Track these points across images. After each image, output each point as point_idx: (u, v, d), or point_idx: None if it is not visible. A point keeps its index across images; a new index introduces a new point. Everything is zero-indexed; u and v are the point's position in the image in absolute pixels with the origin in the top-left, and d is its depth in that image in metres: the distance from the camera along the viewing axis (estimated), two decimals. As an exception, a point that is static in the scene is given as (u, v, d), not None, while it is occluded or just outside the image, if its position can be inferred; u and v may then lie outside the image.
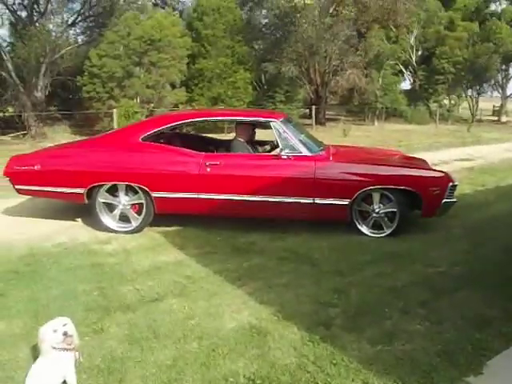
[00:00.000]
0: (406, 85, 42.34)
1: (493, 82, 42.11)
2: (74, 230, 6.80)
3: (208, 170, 6.46)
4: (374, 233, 6.66)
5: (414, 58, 38.51)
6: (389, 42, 33.22)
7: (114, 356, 3.57)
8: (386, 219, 6.63)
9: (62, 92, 28.28)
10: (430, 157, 14.80)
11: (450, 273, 5.38)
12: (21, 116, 23.20)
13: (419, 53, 39.35)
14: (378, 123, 33.12)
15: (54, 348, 3.12)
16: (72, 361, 3.18)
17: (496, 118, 43.17)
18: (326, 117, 32.17)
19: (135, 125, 7.68)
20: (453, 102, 40.40)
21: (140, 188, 6.52)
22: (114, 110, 19.36)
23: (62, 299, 4.56)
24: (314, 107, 28.01)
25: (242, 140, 7.25)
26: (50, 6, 25.76)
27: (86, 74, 22.95)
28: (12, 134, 22.35)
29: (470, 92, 41.02)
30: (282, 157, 6.55)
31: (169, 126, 7.07)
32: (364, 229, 6.68)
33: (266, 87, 29.57)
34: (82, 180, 6.56)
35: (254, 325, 4.05)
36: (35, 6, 26.07)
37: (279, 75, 28.25)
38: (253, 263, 5.54)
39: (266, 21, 32.63)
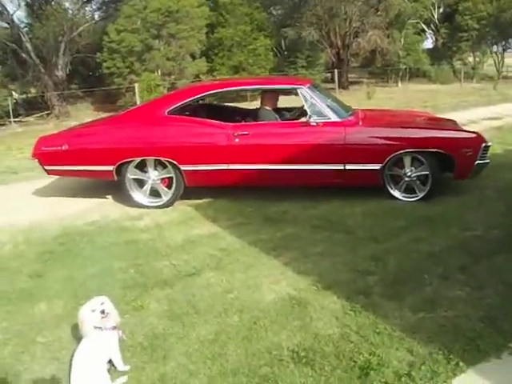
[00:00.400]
0: (428, 44, 41.67)
1: (519, 36, 41.07)
2: (105, 207, 6.83)
3: (236, 140, 6.41)
4: (406, 197, 6.56)
5: (435, 16, 37.65)
6: (409, 1, 32.45)
7: (156, 333, 3.58)
8: (418, 182, 6.52)
9: (83, 69, 28.33)
10: (457, 116, 14.52)
11: (487, 236, 5.26)
12: (43, 96, 23.37)
13: (441, 10, 38.46)
14: (402, 84, 32.66)
15: (96, 328, 3.13)
16: (116, 340, 3.19)
17: (523, 74, 42.18)
18: (349, 80, 31.82)
19: (160, 99, 7.63)
20: (477, 59, 39.44)
21: (169, 162, 6.49)
22: (136, 85, 19.35)
23: (99, 277, 4.58)
24: (336, 71, 27.67)
25: (268, 108, 7.15)
26: (64, -17, 25.69)
27: (105, 50, 22.91)
28: (36, 115, 22.52)
29: (495, 48, 40.00)
30: (311, 123, 6.44)
31: (194, 98, 6.98)
32: (396, 193, 6.58)
33: (286, 53, 29.24)
34: (111, 157, 6.55)
35: (293, 296, 4.03)
36: (50, -15, 26.00)
37: (299, 40, 27.90)
38: (286, 233, 5.50)
39: (284, -14, 32.12)
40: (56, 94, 22.76)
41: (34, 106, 23.74)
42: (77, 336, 3.49)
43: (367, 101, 21.86)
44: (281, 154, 6.48)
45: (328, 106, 6.62)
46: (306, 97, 6.56)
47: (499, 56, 39.32)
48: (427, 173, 6.44)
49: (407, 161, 6.48)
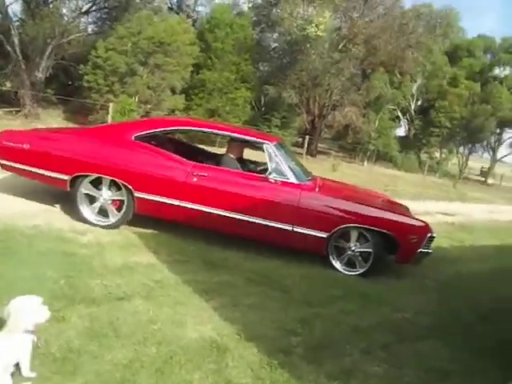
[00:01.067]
0: (400, 131, 42.93)
1: (485, 143, 42.85)
2: (51, 215, 6.71)
3: (194, 179, 6.45)
4: (346, 270, 6.69)
5: (412, 107, 39.05)
6: (391, 87, 33.63)
7: (71, 347, 3.53)
8: (360, 258, 6.68)
9: (63, 77, 28.22)
10: (414, 206, 14.91)
11: (416, 320, 5.41)
12: (17, 93, 23.07)
13: (419, 102, 39.95)
14: (368, 164, 33.37)
15: (21, 328, 3.07)
16: (29, 344, 3.13)
17: (483, 179, 43.69)
18: (318, 149, 32.39)
19: (131, 122, 7.72)
20: (443, 155, 40.85)
21: (124, 185, 6.48)
22: (111, 104, 19.31)
23: (29, 281, 4.46)
24: (307, 137, 28.17)
25: (232, 156, 7.25)
26: (66, -11, 25.83)
27: (89, 63, 22.89)
28: (5, 109, 22.18)
29: (461, 149, 41.62)
30: (270, 180, 6.56)
31: (164, 129, 7.07)
32: (338, 265, 6.70)
33: (263, 109, 29.69)
34: (69, 167, 6.51)
35: (214, 339, 4.03)
36: (52, -13, 26.07)
37: (279, 100, 28.42)
38: (222, 279, 5.50)
39: (276, 45, 32.88)
40: (30, 94, 22.52)
41: (5, 100, 23.38)
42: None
43: (332, 172, 22.24)
44: (234, 202, 6.54)
45: (289, 167, 6.74)
46: (270, 153, 6.68)
47: (464, 157, 40.85)
48: (370, 250, 6.59)
49: (354, 235, 6.65)
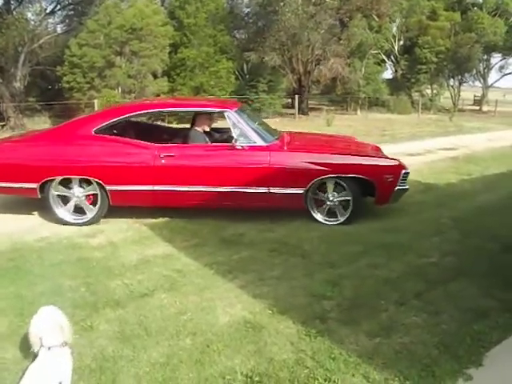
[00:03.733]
0: (388, 74, 42.54)
1: (474, 71, 42.44)
2: (56, 224, 6.61)
3: (162, 161, 6.41)
4: (328, 220, 6.74)
5: (396, 48, 38.52)
6: (371, 32, 33.11)
7: (106, 355, 3.46)
8: (340, 207, 6.73)
9: (42, 82, 27.84)
10: (414, 146, 14.98)
11: (443, 263, 5.34)
12: (-2, 107, 22.84)
13: (401, 42, 39.37)
14: (361, 112, 33.13)
15: (44, 346, 2.98)
16: (68, 360, 3.03)
17: (477, 108, 43.42)
18: (309, 106, 32.11)
19: (87, 117, 7.52)
20: (435, 91, 40.49)
21: (94, 181, 6.44)
22: (95, 101, 19.10)
23: (48, 296, 4.39)
24: (297, 97, 27.95)
25: (199, 130, 7.17)
26: (27, -7, 25.39)
27: (65, 63, 22.52)
28: (-10, 126, 21.97)
29: (451, 82, 41.26)
30: (237, 147, 6.52)
31: (122, 117, 6.87)
32: (319, 216, 6.76)
33: (248, 77, 29.27)
34: (35, 174, 6.43)
35: (248, 319, 3.96)
36: (12, -6, 25.63)
37: (262, 65, 27.98)
38: (243, 255, 5.44)
39: (249, 10, 32.38)
40: (12, 106, 22.29)
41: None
42: (21, 356, 3.35)
43: (326, 127, 22.09)
44: (206, 176, 6.53)
45: (254, 130, 6.72)
46: (232, 120, 6.64)
47: (455, 89, 40.52)
48: (349, 198, 6.64)
49: (330, 186, 6.67)
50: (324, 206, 6.75)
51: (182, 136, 7.36)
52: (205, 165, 6.57)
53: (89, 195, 6.56)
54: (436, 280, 4.82)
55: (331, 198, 6.68)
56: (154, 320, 3.96)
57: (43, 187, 6.45)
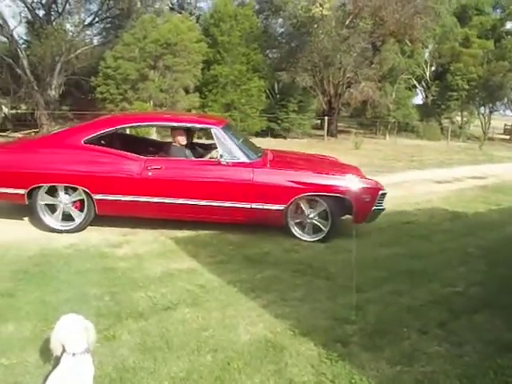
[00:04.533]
0: (418, 100, 42.28)
1: (506, 100, 41.98)
2: (86, 232, 6.73)
3: (149, 173, 6.58)
4: (306, 237, 6.94)
5: (427, 74, 38.40)
6: (403, 57, 33.08)
7: (126, 365, 3.48)
8: (319, 224, 6.92)
9: (76, 91, 28.29)
10: (442, 173, 14.86)
11: (468, 293, 5.25)
12: (33, 114, 23.27)
13: (433, 68, 39.25)
14: (390, 137, 32.95)
15: (67, 353, 3.00)
16: (90, 367, 3.05)
17: (508, 137, 42.94)
18: (338, 128, 32.09)
19: (78, 127, 7.66)
20: (465, 119, 40.18)
21: (82, 189, 6.60)
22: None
23: (73, 303, 4.45)
24: (326, 118, 27.96)
25: (177, 145, 7.33)
26: (67, 5, 25.93)
27: (100, 74, 22.90)
28: (24, 131, 22.37)
29: (482, 110, 40.91)
30: (222, 162, 6.72)
31: (111, 129, 7.03)
32: (297, 233, 6.96)
33: (279, 96, 29.41)
34: (23, 181, 6.58)
35: (269, 339, 3.95)
36: (53, 6, 26.24)
37: (293, 85, 28.09)
38: (266, 275, 5.44)
39: (283, 30, 32.53)
40: (46, 113, 22.69)
41: (22, 123, 23.61)
42: (43, 361, 3.38)
43: (355, 150, 22.04)
44: (191, 189, 6.71)
45: (238, 147, 6.93)
46: (218, 137, 6.83)
47: (486, 117, 40.14)
48: (327, 215, 6.88)
49: (310, 204, 6.92)
50: (303, 223, 6.96)
51: (163, 149, 7.59)
52: (190, 179, 6.76)
53: (75, 202, 6.72)
54: (460, 310, 4.75)
55: (311, 216, 6.90)
56: (175, 334, 3.97)
57: (31, 195, 6.62)
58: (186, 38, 23.02)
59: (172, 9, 32.78)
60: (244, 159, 6.80)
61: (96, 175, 6.57)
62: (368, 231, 7.48)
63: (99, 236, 6.56)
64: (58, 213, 6.72)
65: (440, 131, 36.11)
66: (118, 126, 7.19)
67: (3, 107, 25.20)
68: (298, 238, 6.90)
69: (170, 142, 7.52)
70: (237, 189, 6.70)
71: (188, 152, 7.33)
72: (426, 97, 39.94)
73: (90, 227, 6.90)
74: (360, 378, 3.45)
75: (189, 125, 7.50)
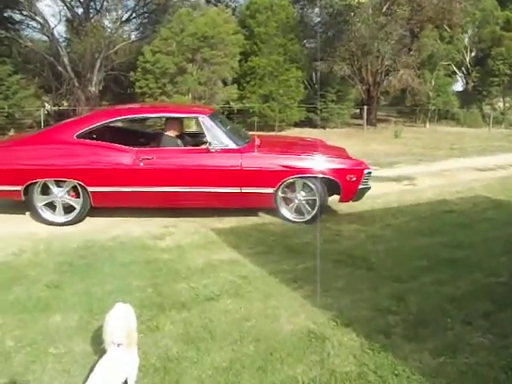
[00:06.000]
0: (458, 86, 41.42)
1: (550, 85, 40.83)
2: (127, 224, 6.86)
3: (141, 164, 6.74)
4: (295, 218, 7.20)
5: (467, 59, 37.55)
6: (442, 43, 32.42)
7: (170, 355, 3.54)
8: (307, 206, 7.18)
9: (115, 87, 28.68)
10: (484, 161, 14.58)
11: (512, 283, 5.16)
12: (75, 110, 23.68)
13: (473, 54, 38.34)
14: (430, 125, 32.43)
15: (114, 343, 3.06)
16: (135, 358, 3.11)
17: (553, 123, 41.79)
18: (378, 117, 31.72)
19: (70, 122, 7.78)
20: (507, 105, 39.20)
21: (77, 183, 6.75)
22: (167, 106, 19.43)
23: (117, 294, 4.54)
24: (365, 107, 27.68)
25: (171, 135, 7.44)
26: (105, 2, 26.27)
27: (139, 69, 23.11)
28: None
29: (526, 95, 39.86)
30: (211, 150, 6.95)
31: (103, 122, 7.15)
32: (287, 214, 7.21)
33: (317, 86, 29.21)
34: (19, 178, 6.73)
35: (311, 329, 3.96)
36: (91, 3, 26.63)
37: (331, 74, 27.85)
38: (308, 265, 5.43)
39: (319, 19, 32.30)
40: (87, 109, 23.06)
41: (64, 119, 24.04)
42: (90, 350, 3.47)
43: (394, 139, 21.80)
44: (182, 177, 6.90)
45: (226, 135, 7.13)
46: (206, 125, 7.03)
47: (530, 103, 39.10)
48: (315, 197, 7.10)
49: (299, 185, 7.16)
50: (292, 205, 7.21)
51: (154, 140, 7.69)
52: (181, 167, 6.95)
53: (69, 191, 6.87)
54: (504, 301, 4.65)
55: (299, 197, 7.16)
56: (218, 324, 4.02)
57: (27, 190, 6.77)
58: (222, 30, 23.07)
59: (208, 1, 32.80)
60: (232, 145, 7.01)
61: (89, 168, 6.75)
62: (409, 220, 7.43)
63: (141, 228, 6.67)
64: (59, 207, 6.89)
65: (481, 118, 35.29)
66: (109, 120, 7.28)
67: (46, 104, 25.75)
68: (287, 219, 7.16)
69: (162, 133, 7.68)
70: (226, 175, 6.93)
71: (179, 142, 7.49)
72: (467, 83, 39.08)
73: (131, 219, 7.05)
74: (403, 368, 3.43)
75: (177, 115, 7.66)
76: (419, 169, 12.93)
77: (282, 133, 23.43)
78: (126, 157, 6.79)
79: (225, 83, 24.24)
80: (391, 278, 5.12)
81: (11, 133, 19.58)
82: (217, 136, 7.00)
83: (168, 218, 7.13)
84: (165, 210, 7.20)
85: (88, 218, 7.03)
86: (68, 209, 6.92)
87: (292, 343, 3.74)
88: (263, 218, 7.20)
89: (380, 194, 9.19)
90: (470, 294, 4.78)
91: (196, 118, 7.43)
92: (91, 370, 3.04)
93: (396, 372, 3.39)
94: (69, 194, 6.87)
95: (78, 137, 6.86)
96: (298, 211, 7.22)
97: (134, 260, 5.49)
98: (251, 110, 25.00)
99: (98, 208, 7.09)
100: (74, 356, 3.53)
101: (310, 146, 8.25)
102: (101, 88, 25.78)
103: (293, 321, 4.12)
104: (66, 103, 26.62)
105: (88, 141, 7.01)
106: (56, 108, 26.15)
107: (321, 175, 7.04)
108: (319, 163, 7.16)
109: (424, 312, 4.35)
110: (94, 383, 2.88)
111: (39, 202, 6.82)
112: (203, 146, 7.15)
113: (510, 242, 6.58)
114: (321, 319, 4.15)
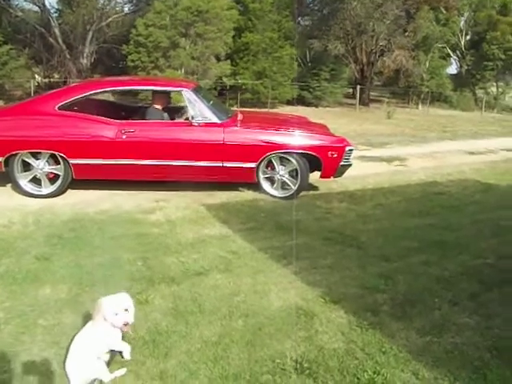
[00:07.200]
0: (452, 69, 41.37)
1: (544, 70, 40.83)
2: (118, 198, 6.86)
3: (124, 136, 6.75)
4: (278, 193, 7.31)
5: (462, 42, 37.48)
6: (438, 25, 32.28)
7: (159, 329, 3.55)
8: (288, 181, 7.27)
9: (107, 60, 28.44)
10: (475, 144, 14.64)
11: (499, 265, 5.16)
12: (66, 82, 23.44)
13: (468, 37, 38.26)
14: (422, 107, 32.44)
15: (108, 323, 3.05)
16: (119, 332, 3.12)
17: (545, 108, 41.88)
18: (370, 97, 31.70)
19: (51, 94, 7.68)
20: (500, 89, 39.20)
21: (58, 155, 6.73)
22: (159, 80, 19.29)
23: (106, 267, 4.57)
24: (358, 87, 27.64)
25: (158, 107, 7.50)
26: (98, -27, 25.92)
27: (131, 42, 22.87)
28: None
29: (519, 80, 39.87)
30: (193, 124, 6.96)
31: (85, 94, 7.10)
32: (269, 189, 7.32)
33: (310, 64, 29.13)
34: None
35: (300, 306, 3.98)
36: (84, -27, 26.22)
37: (325, 53, 27.78)
38: (298, 242, 5.43)
39: (315, -4, 32.10)
40: (78, 81, 22.88)
41: (55, 91, 23.88)
42: (79, 322, 3.47)
43: (387, 120, 21.80)
44: (164, 151, 6.92)
45: (209, 109, 7.17)
46: (189, 99, 7.05)
47: (523, 88, 39.14)
48: (296, 168, 7.18)
49: (279, 161, 7.22)
50: (274, 180, 7.30)
51: (140, 113, 7.66)
52: (163, 140, 6.95)
53: (48, 160, 6.84)
54: (491, 282, 4.68)
55: (281, 173, 7.23)
56: (207, 299, 4.03)
57: (7, 162, 6.75)
58: (217, 5, 22.80)
59: (203, -25, 32.43)
60: (215, 120, 7.04)
61: (71, 140, 6.73)
62: (399, 200, 7.46)
63: (132, 202, 6.66)
64: (44, 181, 6.87)
65: (474, 102, 35.35)
66: (91, 92, 7.21)
67: (36, 76, 25.50)
68: (268, 193, 7.26)
69: (147, 107, 7.74)
70: (209, 149, 6.97)
71: (166, 115, 7.52)
72: (461, 66, 39.04)
73: (122, 192, 7.04)
74: (390, 346, 3.46)
75: (159, 88, 7.69)
76: (411, 150, 12.97)
77: (276, 110, 23.34)
78: (108, 129, 6.78)
79: (218, 59, 24.05)
80: (380, 257, 5.15)
81: (0, 103, 19.37)
82: (200, 110, 7.01)
83: (159, 191, 7.14)
84: (156, 184, 7.20)
85: (77, 192, 7.03)
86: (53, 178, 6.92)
87: (281, 319, 3.76)
88: (254, 195, 7.19)
89: (371, 173, 9.25)
90: (458, 275, 4.81)
91: (179, 92, 7.41)
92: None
93: (383, 349, 3.42)
94: (49, 164, 6.83)
95: (59, 108, 6.82)
96: (283, 187, 7.30)
97: (124, 234, 5.48)
98: (244, 87, 24.89)
99: (88, 181, 7.08)
100: (63, 328, 3.53)
101: (293, 123, 8.28)
102: (93, 60, 25.55)
103: (282, 296, 4.13)
104: (57, 75, 26.35)
105: (69, 112, 6.94)
106: (47, 80, 25.91)
107: (302, 151, 7.12)
108: (301, 139, 7.24)
109: (412, 291, 4.38)
110: (75, 352, 2.94)
111: (21, 177, 6.79)
112: (185, 120, 7.17)
113: (499, 224, 6.61)
114: (310, 296, 4.17)
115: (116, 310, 2.99)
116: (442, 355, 3.42)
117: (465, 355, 3.44)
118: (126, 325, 3.02)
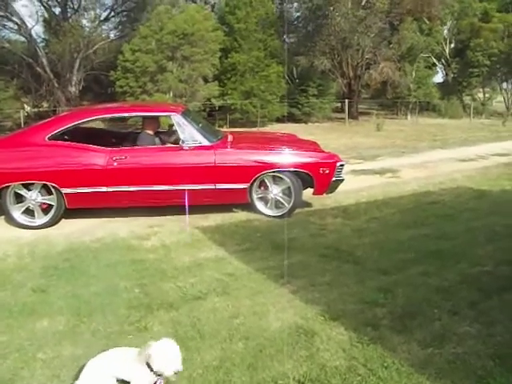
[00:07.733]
0: (438, 78, 41.65)
1: (529, 74, 41.15)
2: (112, 225, 6.84)
3: (115, 164, 6.73)
4: (271, 212, 7.27)
5: (447, 51, 37.77)
6: (422, 35, 32.56)
7: (160, 355, 3.51)
8: (282, 200, 7.24)
9: (96, 87, 28.58)
10: (466, 151, 14.72)
11: (497, 272, 5.17)
12: (55, 111, 23.50)
13: (452, 45, 38.57)
14: (411, 117, 32.61)
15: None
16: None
17: (532, 112, 42.15)
18: (359, 111, 31.84)
19: (41, 124, 7.68)
20: (487, 95, 39.49)
21: (50, 185, 6.70)
22: (148, 105, 19.34)
23: (103, 296, 4.54)
24: (346, 101, 27.77)
25: (150, 132, 7.52)
26: (83, 1, 26.10)
27: (119, 68, 23.01)
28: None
29: (505, 85, 40.12)
30: (184, 147, 6.98)
31: (74, 123, 7.10)
32: (262, 209, 7.29)
33: (298, 81, 29.27)
34: None
35: (300, 325, 3.96)
36: (69, 3, 26.42)
37: (312, 69, 27.94)
38: (294, 260, 5.42)
39: (299, 14, 32.33)
40: (68, 110, 22.92)
41: (45, 121, 23.90)
42: (78, 354, 3.44)
43: (377, 132, 21.90)
44: (156, 176, 6.92)
45: (199, 132, 7.19)
46: (178, 123, 7.07)
47: (509, 93, 39.39)
48: (289, 186, 7.16)
49: (272, 180, 7.23)
50: (267, 199, 7.28)
51: (132, 139, 7.66)
52: (155, 166, 6.96)
53: (40, 190, 6.81)
54: (490, 289, 4.68)
55: (274, 192, 7.23)
56: (207, 323, 4.00)
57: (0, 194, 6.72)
58: (202, 27, 23.00)
59: (186, -1, 32.72)
60: (205, 142, 7.06)
61: (62, 170, 6.72)
62: (393, 212, 7.46)
63: (126, 229, 6.65)
64: (37, 212, 6.84)
65: (462, 109, 35.57)
66: (80, 121, 7.22)
67: (25, 106, 25.52)
68: (262, 213, 7.21)
69: (138, 132, 7.74)
70: (200, 172, 6.96)
71: (157, 139, 7.54)
72: (447, 74, 39.33)
73: (116, 219, 7.02)
74: (392, 360, 3.44)
75: (148, 114, 7.74)
76: (402, 161, 13.02)
77: (265, 128, 23.41)
78: (98, 157, 6.77)
79: (206, 80, 24.19)
80: (378, 270, 5.14)
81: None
82: (189, 133, 7.03)
83: (153, 216, 7.13)
84: (149, 210, 7.20)
85: (72, 221, 7.01)
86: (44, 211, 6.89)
87: (281, 339, 3.73)
88: (248, 215, 7.17)
89: (364, 186, 9.26)
90: (457, 284, 4.81)
91: (168, 117, 7.41)
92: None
93: (385, 364, 3.40)
94: (42, 195, 6.81)
95: (49, 138, 6.82)
96: (277, 206, 7.27)
97: (119, 261, 5.46)
98: (233, 107, 24.99)
99: (82, 210, 7.06)
100: (62, 360, 3.49)
101: (283, 141, 8.30)
102: (81, 88, 25.64)
103: (281, 317, 4.11)
104: (45, 104, 26.41)
105: (60, 142, 6.95)
106: (36, 109, 25.94)
107: (294, 168, 7.12)
108: (292, 157, 7.24)
109: (411, 303, 4.37)
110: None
111: (14, 208, 6.76)
112: (175, 144, 7.17)
113: (494, 231, 6.63)
114: (309, 314, 4.15)
115: (167, 358, 3.02)
116: (445, 366, 3.41)
117: (467, 365, 3.42)
118: (176, 373, 3.03)
